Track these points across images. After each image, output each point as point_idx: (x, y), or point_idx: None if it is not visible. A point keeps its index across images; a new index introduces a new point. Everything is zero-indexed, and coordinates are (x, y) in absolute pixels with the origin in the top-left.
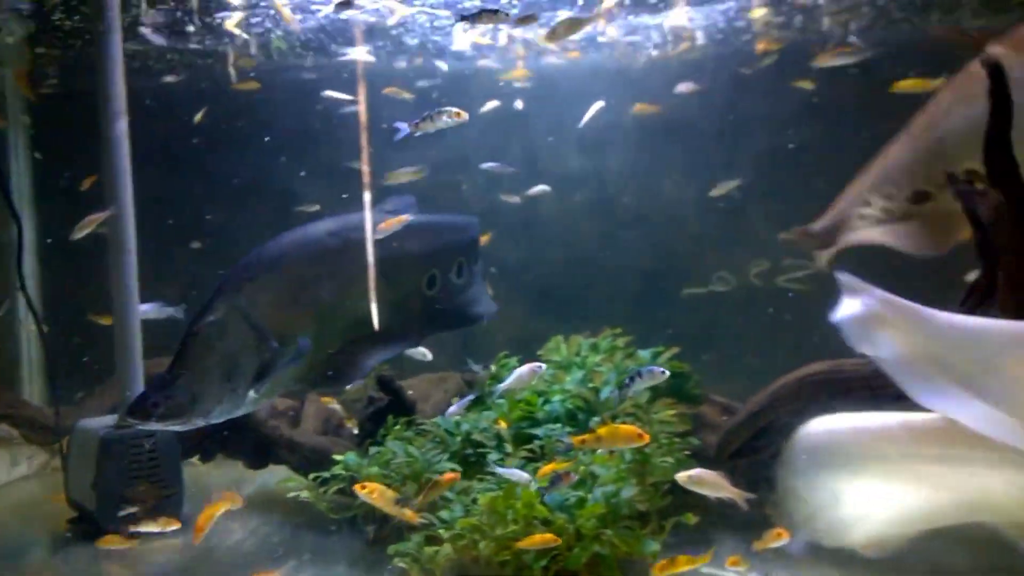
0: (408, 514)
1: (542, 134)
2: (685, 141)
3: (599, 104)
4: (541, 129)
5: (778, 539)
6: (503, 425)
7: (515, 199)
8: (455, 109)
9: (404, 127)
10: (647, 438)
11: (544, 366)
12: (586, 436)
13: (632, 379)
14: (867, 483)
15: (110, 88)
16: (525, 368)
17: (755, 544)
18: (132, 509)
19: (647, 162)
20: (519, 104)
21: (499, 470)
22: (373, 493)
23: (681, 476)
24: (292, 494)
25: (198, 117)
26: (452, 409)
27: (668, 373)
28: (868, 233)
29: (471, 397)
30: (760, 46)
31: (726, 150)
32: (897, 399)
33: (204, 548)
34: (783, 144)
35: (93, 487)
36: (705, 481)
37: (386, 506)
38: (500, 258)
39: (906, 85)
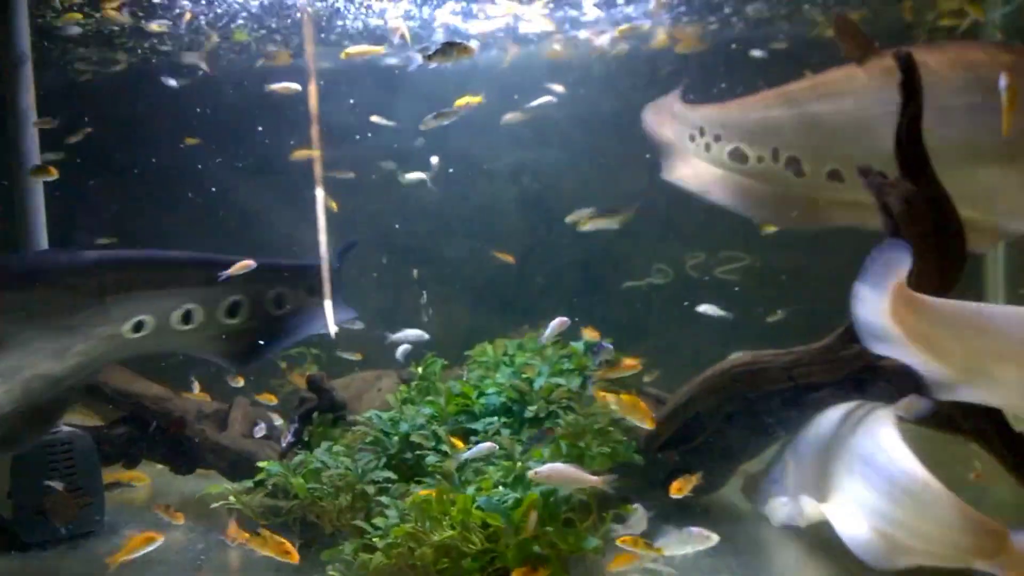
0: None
1: (477, 128)
2: (618, 134)
3: (548, 98)
4: (476, 123)
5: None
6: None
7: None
8: (465, 43)
9: (416, 58)
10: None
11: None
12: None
13: (596, 351)
14: None
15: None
16: (556, 321)
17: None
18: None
19: (582, 156)
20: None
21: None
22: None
23: (530, 474)
24: (217, 504)
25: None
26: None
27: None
28: (693, 167)
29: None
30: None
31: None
32: (815, 388)
33: None
34: None
35: (9, 497)
36: (560, 474)
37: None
38: (437, 255)
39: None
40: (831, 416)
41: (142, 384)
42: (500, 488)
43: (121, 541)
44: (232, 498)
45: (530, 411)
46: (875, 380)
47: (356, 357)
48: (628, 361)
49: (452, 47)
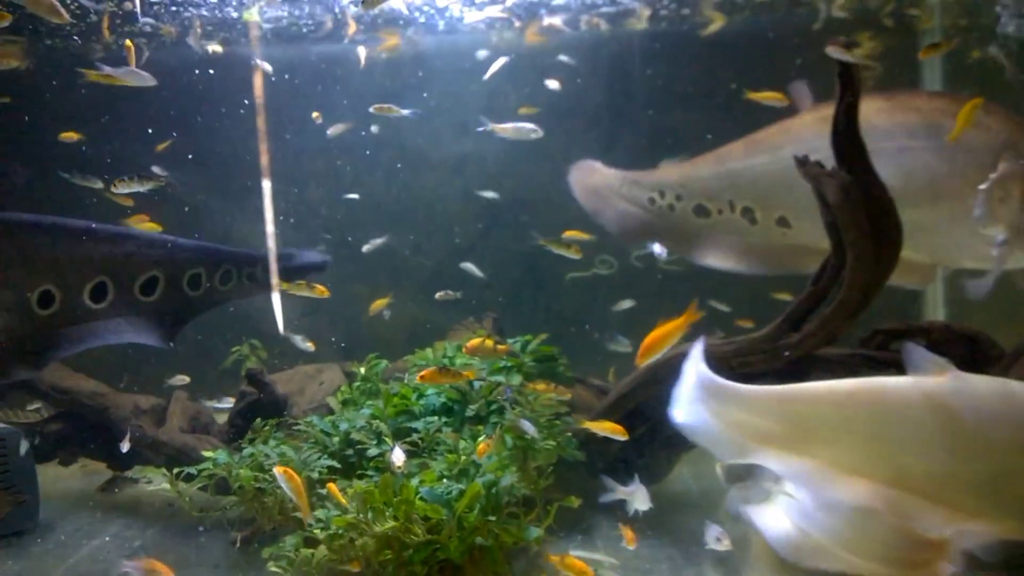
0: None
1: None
2: (564, 124)
3: (502, 59)
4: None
5: None
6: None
7: None
8: None
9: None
10: None
11: None
12: None
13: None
14: None
15: None
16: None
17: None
18: None
19: (525, 147)
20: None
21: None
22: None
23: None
24: (150, 486)
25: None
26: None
27: None
28: (623, 210)
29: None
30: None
31: (605, 134)
32: (756, 376)
33: (59, 555)
34: (659, 128)
35: None
36: None
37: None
38: (382, 247)
39: (758, 96)
40: None
41: (78, 380)
42: (444, 480)
43: (58, 540)
44: (167, 485)
45: (471, 410)
46: (814, 369)
47: (309, 347)
48: (540, 386)
49: None
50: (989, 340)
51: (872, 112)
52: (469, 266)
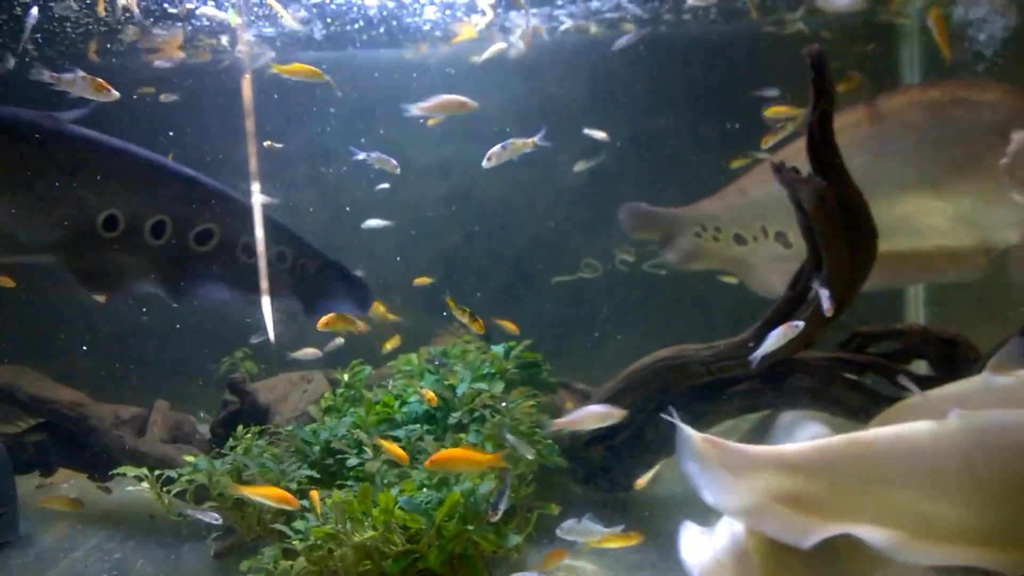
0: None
1: (403, 124)
2: (548, 129)
3: (501, 45)
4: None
5: None
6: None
7: None
8: None
9: None
10: None
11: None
12: None
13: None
14: None
15: None
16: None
17: None
18: None
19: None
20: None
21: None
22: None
23: None
24: (130, 488)
25: None
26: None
27: None
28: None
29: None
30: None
31: (590, 139)
32: (734, 381)
33: (38, 569)
34: (643, 131)
35: None
36: None
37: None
38: (366, 252)
39: (774, 111)
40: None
41: (57, 389)
42: (424, 490)
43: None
44: (146, 485)
45: (453, 417)
46: (792, 373)
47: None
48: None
49: None
50: (966, 342)
51: (875, 117)
52: (376, 222)
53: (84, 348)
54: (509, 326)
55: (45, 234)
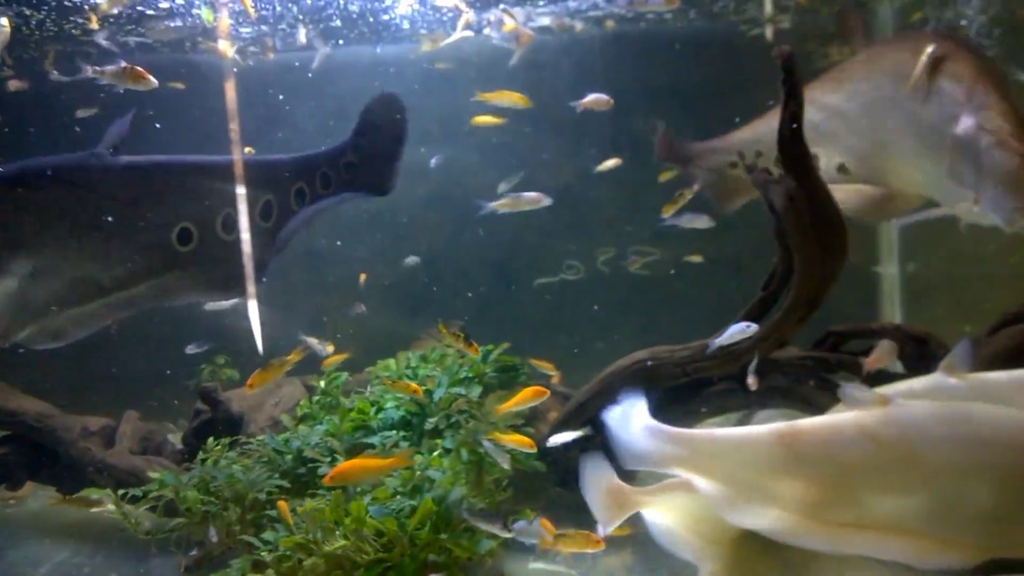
0: None
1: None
2: (529, 128)
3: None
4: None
5: None
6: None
7: None
8: None
9: None
10: None
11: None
12: None
13: None
14: None
15: None
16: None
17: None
18: None
19: (493, 151)
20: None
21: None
22: None
23: None
24: (96, 509)
25: None
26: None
27: None
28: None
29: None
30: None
31: (571, 140)
32: (710, 382)
33: None
34: (628, 131)
35: None
36: None
37: None
38: (346, 255)
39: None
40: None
41: (23, 400)
42: (398, 497)
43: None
44: (112, 506)
45: (430, 423)
46: (768, 372)
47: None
48: None
49: None
50: (937, 340)
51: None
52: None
53: (53, 358)
54: (546, 366)
55: (128, 268)
